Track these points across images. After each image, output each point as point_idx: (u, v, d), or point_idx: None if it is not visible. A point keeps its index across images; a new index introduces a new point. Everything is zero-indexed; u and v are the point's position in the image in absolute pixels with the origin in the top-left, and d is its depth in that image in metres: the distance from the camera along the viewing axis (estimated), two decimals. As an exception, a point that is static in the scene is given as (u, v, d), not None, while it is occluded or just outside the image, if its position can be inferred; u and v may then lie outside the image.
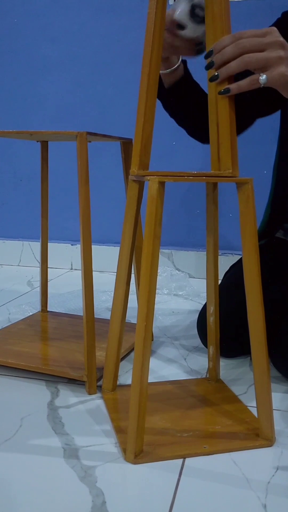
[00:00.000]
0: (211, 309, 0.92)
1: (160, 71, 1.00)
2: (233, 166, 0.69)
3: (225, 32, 0.71)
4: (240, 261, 1.23)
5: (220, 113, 0.69)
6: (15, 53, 1.91)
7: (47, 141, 1.20)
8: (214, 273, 0.91)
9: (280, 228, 1.21)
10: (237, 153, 0.69)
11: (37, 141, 1.20)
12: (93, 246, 1.92)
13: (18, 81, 1.92)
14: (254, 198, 0.73)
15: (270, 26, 1.08)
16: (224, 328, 0.99)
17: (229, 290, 1.11)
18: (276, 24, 1.08)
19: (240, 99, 1.05)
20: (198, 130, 1.10)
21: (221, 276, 1.48)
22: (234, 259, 1.78)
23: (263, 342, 0.75)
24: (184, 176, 0.69)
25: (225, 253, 1.81)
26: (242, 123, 1.11)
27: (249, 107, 1.07)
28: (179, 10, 0.84)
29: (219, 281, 1.23)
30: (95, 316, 1.33)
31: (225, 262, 1.63)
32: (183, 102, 1.04)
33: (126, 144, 1.04)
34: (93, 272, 1.87)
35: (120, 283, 0.88)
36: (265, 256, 1.14)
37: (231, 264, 1.27)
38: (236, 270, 1.19)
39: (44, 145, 1.19)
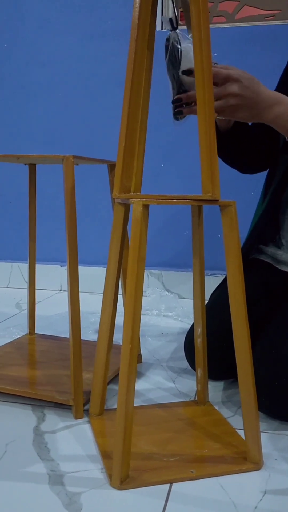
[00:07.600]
0: (198, 331, 0.92)
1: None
2: (214, 189, 0.69)
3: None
4: (224, 281, 1.22)
5: (200, 137, 0.70)
6: (3, 78, 1.93)
7: (35, 164, 1.21)
8: (201, 294, 0.91)
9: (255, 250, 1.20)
10: (217, 176, 0.70)
11: (25, 164, 1.20)
12: (83, 267, 1.91)
13: (7, 105, 1.94)
14: (237, 220, 0.73)
15: (284, 68, 1.10)
16: (209, 350, 0.98)
17: (213, 311, 1.10)
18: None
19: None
20: (249, 167, 1.16)
21: (208, 297, 1.48)
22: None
23: (249, 364, 0.75)
24: (167, 199, 0.70)
25: (214, 274, 1.81)
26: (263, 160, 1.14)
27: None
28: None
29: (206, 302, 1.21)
30: (84, 338, 1.32)
31: (214, 283, 1.62)
32: (238, 144, 1.06)
33: (113, 167, 1.05)
34: (83, 294, 1.86)
35: (107, 305, 0.87)
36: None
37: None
38: (221, 291, 1.19)
39: (32, 168, 1.20)
